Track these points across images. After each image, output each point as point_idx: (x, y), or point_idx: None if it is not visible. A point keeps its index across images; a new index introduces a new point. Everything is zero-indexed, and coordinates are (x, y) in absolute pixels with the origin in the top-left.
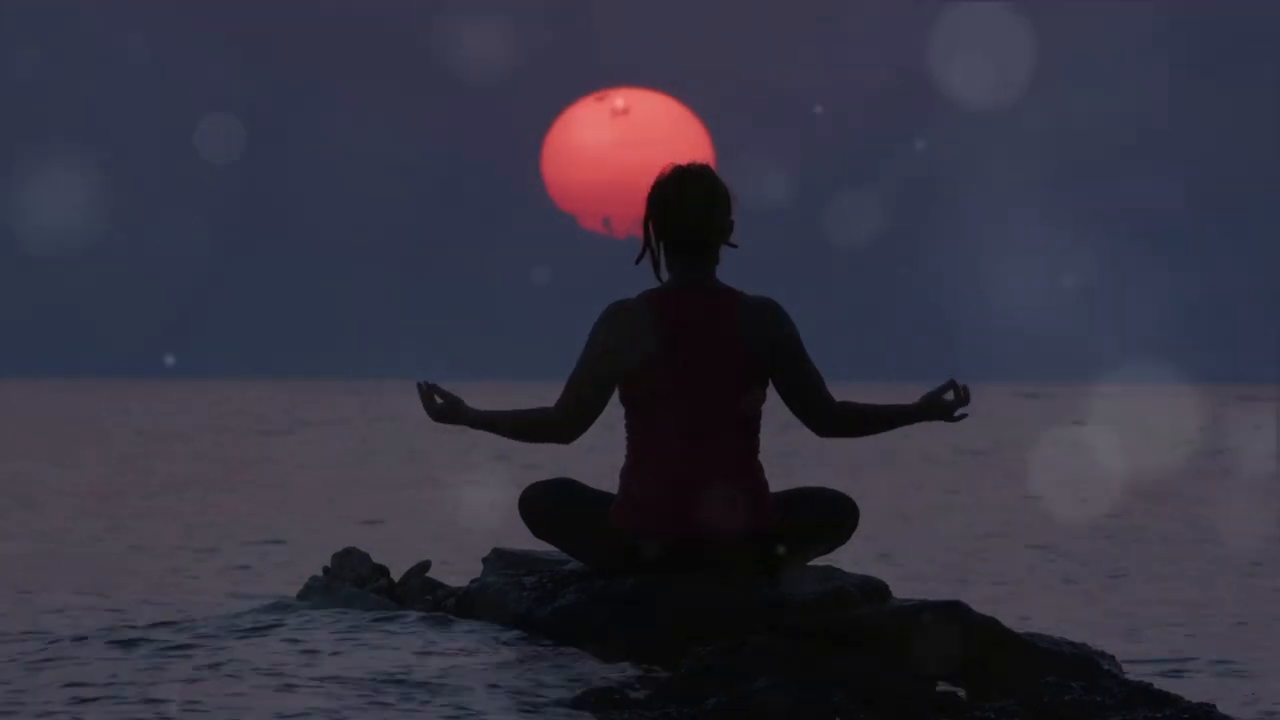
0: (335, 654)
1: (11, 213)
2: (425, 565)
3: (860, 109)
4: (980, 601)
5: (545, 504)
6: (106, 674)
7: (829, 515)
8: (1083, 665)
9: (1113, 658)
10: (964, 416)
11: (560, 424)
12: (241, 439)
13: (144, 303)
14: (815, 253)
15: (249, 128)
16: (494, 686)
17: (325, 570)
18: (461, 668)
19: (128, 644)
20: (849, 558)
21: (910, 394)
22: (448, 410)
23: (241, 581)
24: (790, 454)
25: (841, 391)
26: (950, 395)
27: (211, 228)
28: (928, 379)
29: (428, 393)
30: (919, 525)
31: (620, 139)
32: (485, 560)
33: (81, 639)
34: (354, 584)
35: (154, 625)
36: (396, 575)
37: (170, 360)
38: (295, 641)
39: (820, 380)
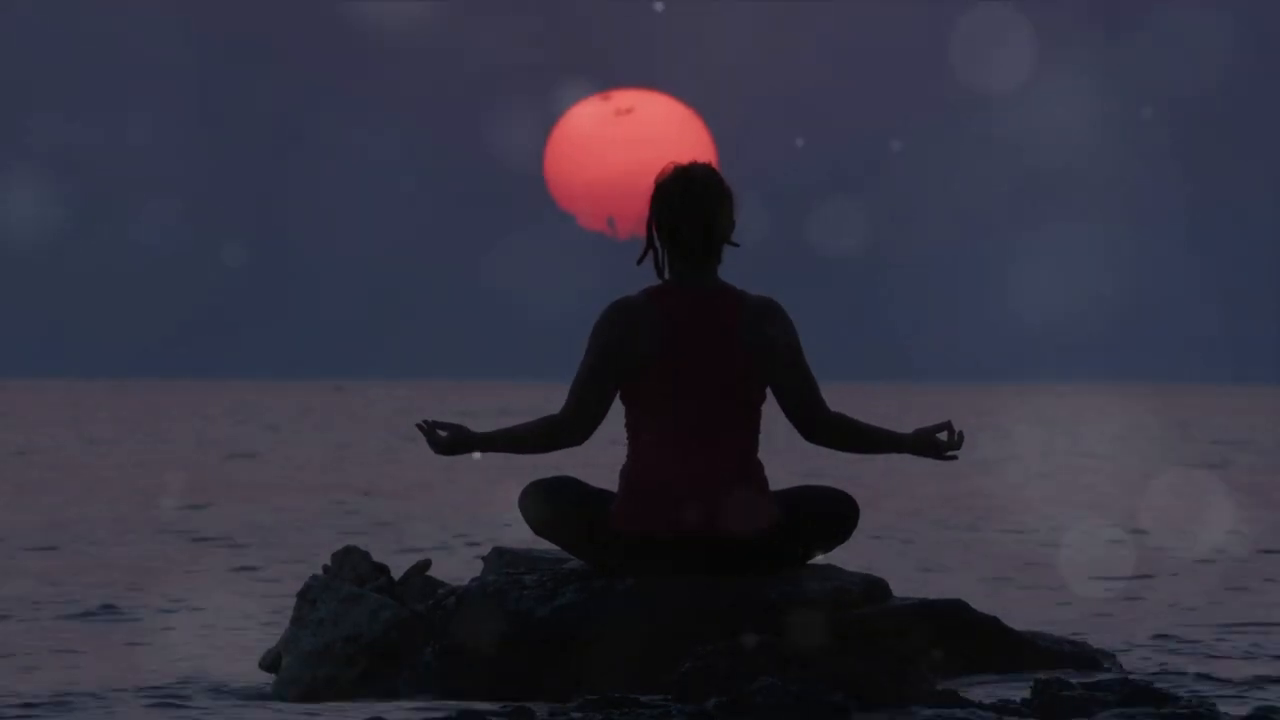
0: None
1: None
2: (425, 564)
3: (863, 109)
4: (981, 600)
5: (546, 502)
6: None
7: (829, 514)
8: (1083, 664)
9: (1113, 656)
10: (954, 458)
11: (570, 427)
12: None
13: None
14: (814, 252)
15: (249, 129)
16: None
17: (325, 569)
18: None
19: None
20: (849, 557)
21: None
22: (453, 441)
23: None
24: (791, 453)
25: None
26: (944, 435)
27: (211, 228)
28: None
29: (430, 429)
30: (920, 524)
31: (623, 139)
32: (485, 559)
33: None
34: (354, 583)
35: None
36: (397, 574)
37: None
38: None
39: (814, 385)
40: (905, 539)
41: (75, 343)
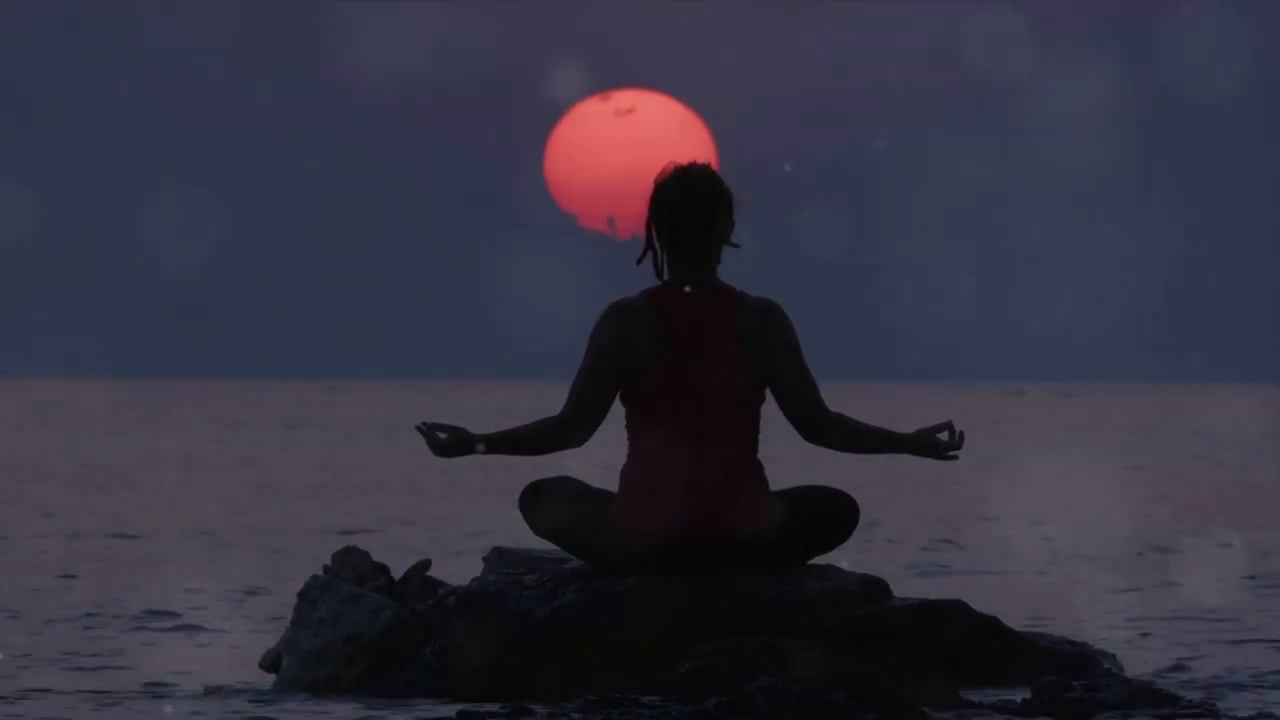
0: None
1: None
2: (425, 564)
3: (865, 109)
4: (981, 601)
5: (546, 502)
6: None
7: (829, 514)
8: (1083, 664)
9: (1113, 656)
10: (954, 458)
11: (570, 427)
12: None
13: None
14: (814, 251)
15: (246, 127)
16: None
17: (325, 569)
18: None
19: None
20: (849, 557)
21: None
22: (453, 443)
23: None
24: (791, 453)
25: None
26: (944, 436)
27: (205, 227)
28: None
29: (429, 431)
30: (920, 524)
31: (623, 139)
32: (485, 559)
33: None
34: (354, 583)
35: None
36: (397, 574)
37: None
38: None
39: (814, 386)
40: (905, 539)
41: (70, 342)
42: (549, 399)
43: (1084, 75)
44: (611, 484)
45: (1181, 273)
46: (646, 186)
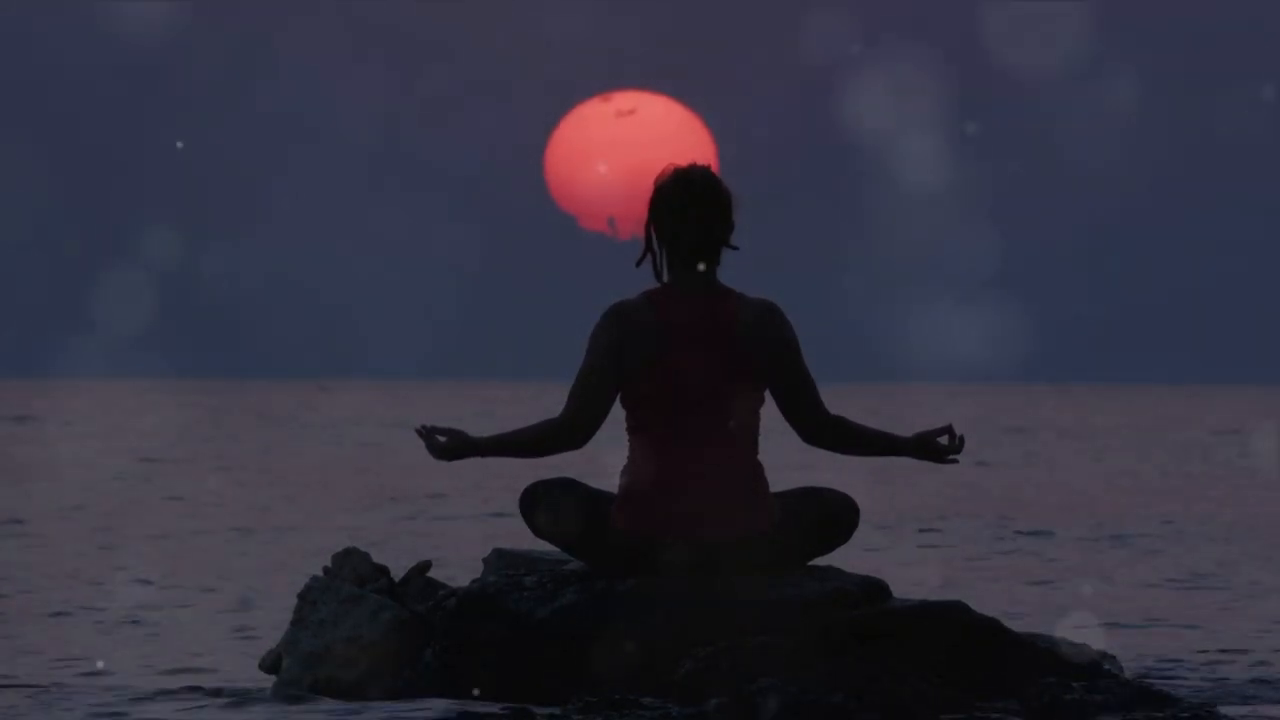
0: None
1: None
2: (426, 565)
3: (869, 109)
4: (981, 601)
5: (547, 503)
6: None
7: (830, 515)
8: (1083, 665)
9: (1113, 657)
10: (954, 462)
11: (570, 429)
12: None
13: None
14: (812, 251)
15: (244, 126)
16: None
17: (325, 570)
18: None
19: None
20: (849, 558)
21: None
22: (453, 446)
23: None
24: (791, 453)
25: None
26: (944, 439)
27: (211, 225)
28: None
29: (429, 435)
30: (921, 525)
31: (624, 140)
32: (485, 560)
33: None
34: (354, 584)
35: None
36: (397, 575)
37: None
38: None
39: (814, 387)
40: (906, 540)
41: (66, 342)
42: (549, 399)
43: (1090, 76)
44: (611, 485)
45: (1181, 274)
46: (647, 188)
